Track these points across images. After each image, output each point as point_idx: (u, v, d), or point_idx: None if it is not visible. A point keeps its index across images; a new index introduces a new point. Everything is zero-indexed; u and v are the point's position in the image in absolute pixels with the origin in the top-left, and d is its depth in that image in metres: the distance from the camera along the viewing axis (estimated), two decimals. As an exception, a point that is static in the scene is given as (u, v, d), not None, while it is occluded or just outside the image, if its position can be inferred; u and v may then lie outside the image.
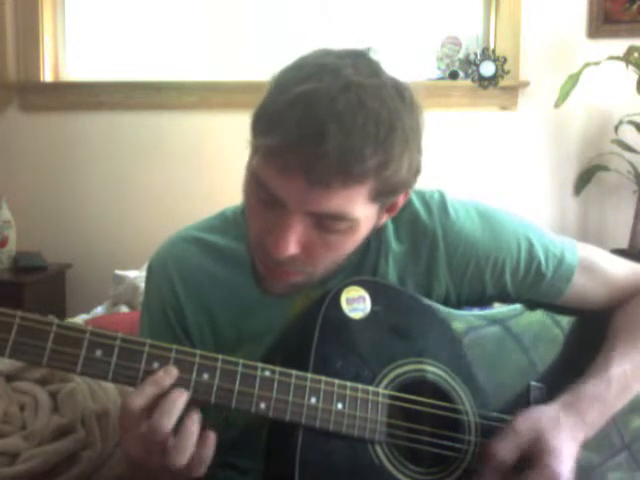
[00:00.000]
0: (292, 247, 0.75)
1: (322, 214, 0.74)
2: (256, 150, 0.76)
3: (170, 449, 0.69)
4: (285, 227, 0.74)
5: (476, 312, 0.90)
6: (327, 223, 0.75)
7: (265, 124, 0.74)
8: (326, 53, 0.77)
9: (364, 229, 0.79)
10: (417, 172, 0.79)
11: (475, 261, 0.89)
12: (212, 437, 0.71)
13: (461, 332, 0.87)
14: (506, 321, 0.91)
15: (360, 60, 0.76)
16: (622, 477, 0.89)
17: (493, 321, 0.90)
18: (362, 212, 0.76)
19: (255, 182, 0.76)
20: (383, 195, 0.77)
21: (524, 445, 0.78)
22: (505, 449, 0.78)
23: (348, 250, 0.81)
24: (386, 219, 0.85)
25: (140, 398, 0.69)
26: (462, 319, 0.88)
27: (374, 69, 0.76)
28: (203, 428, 0.71)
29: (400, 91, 0.76)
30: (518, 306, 0.93)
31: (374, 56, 0.78)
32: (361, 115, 0.70)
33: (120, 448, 1.15)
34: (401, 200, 0.83)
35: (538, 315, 0.93)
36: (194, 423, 0.70)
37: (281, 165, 0.72)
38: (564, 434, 0.79)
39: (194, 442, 0.69)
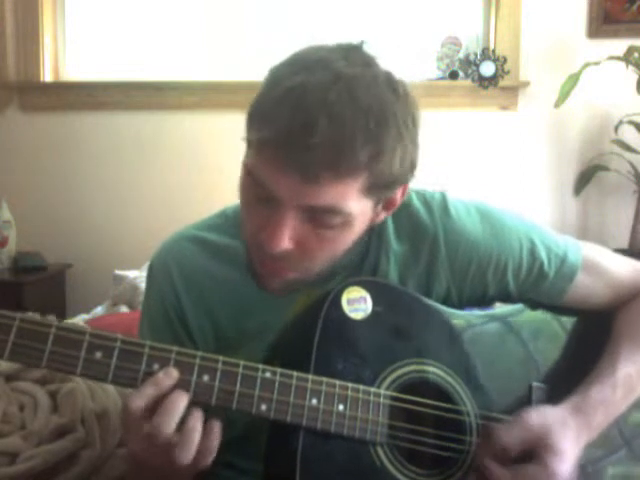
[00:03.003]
0: (285, 241, 0.75)
1: (315, 208, 0.74)
2: (250, 144, 0.77)
3: (174, 447, 0.69)
4: (279, 221, 0.74)
5: (476, 312, 0.90)
6: (321, 217, 0.75)
7: (257, 119, 0.75)
8: (319, 48, 0.77)
9: (359, 224, 0.79)
10: (413, 166, 0.79)
11: (477, 261, 0.89)
12: (217, 426, 0.71)
13: (461, 332, 0.86)
14: (506, 319, 0.90)
15: (352, 53, 0.76)
16: (622, 471, 0.89)
17: (493, 320, 0.89)
18: (356, 206, 0.75)
19: (249, 177, 0.77)
20: (377, 189, 0.76)
21: (529, 439, 0.79)
22: (510, 437, 0.78)
23: (344, 246, 0.80)
24: (384, 216, 0.85)
25: (140, 399, 0.69)
26: (462, 319, 0.88)
27: (366, 61, 0.76)
28: (206, 420, 0.71)
29: (392, 83, 0.75)
30: (519, 306, 0.93)
31: (367, 49, 0.78)
32: (351, 107, 0.70)
33: (125, 447, 1.15)
34: (399, 196, 0.83)
35: (539, 314, 0.93)
36: (197, 420, 0.70)
37: (273, 159, 0.72)
38: (570, 437, 0.80)
39: (198, 439, 0.70)
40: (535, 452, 0.78)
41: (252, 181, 0.76)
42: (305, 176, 0.71)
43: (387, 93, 0.74)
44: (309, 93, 0.70)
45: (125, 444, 1.14)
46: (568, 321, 0.94)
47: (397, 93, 0.75)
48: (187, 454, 0.69)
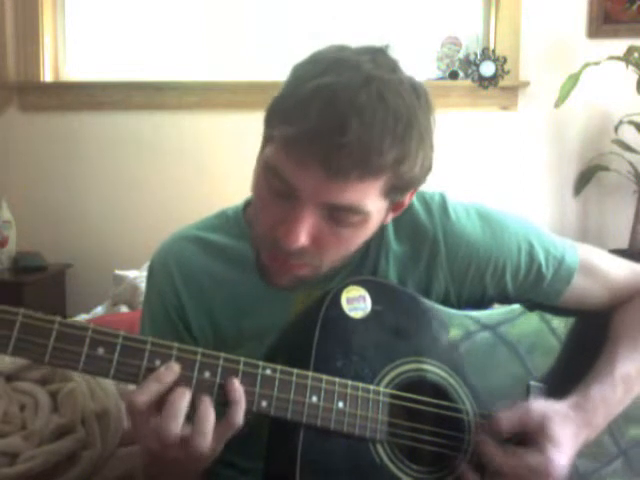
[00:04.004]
0: (303, 238, 0.75)
1: (336, 206, 0.74)
2: (271, 140, 0.77)
3: (188, 438, 0.69)
4: (297, 217, 0.75)
5: (475, 313, 0.90)
6: (339, 215, 0.76)
7: (284, 114, 0.75)
8: (342, 48, 0.78)
9: (374, 224, 0.80)
10: (428, 170, 0.80)
11: (476, 263, 0.89)
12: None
13: (460, 331, 0.87)
14: (504, 321, 0.91)
15: (378, 56, 0.77)
16: None
17: (490, 322, 0.90)
18: (374, 206, 0.77)
19: (269, 172, 0.76)
20: (395, 191, 0.78)
21: (529, 424, 0.79)
22: (509, 419, 0.79)
23: (357, 244, 0.81)
24: (391, 218, 0.85)
25: (144, 395, 0.69)
26: (461, 319, 0.88)
27: (392, 65, 0.77)
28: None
29: (416, 89, 0.77)
30: (517, 307, 0.93)
31: (391, 53, 0.79)
32: (381, 109, 0.71)
33: (126, 447, 1.15)
34: (407, 199, 0.84)
35: (533, 324, 0.93)
36: (207, 407, 0.70)
37: (300, 155, 0.72)
38: (569, 430, 0.80)
39: (212, 423, 0.70)
40: (534, 440, 0.79)
41: (271, 176, 0.76)
42: (332, 173, 0.71)
43: (412, 98, 0.75)
44: (340, 92, 0.71)
45: (126, 443, 1.15)
46: (563, 330, 0.94)
47: (420, 98, 0.77)
48: (205, 440, 0.69)
